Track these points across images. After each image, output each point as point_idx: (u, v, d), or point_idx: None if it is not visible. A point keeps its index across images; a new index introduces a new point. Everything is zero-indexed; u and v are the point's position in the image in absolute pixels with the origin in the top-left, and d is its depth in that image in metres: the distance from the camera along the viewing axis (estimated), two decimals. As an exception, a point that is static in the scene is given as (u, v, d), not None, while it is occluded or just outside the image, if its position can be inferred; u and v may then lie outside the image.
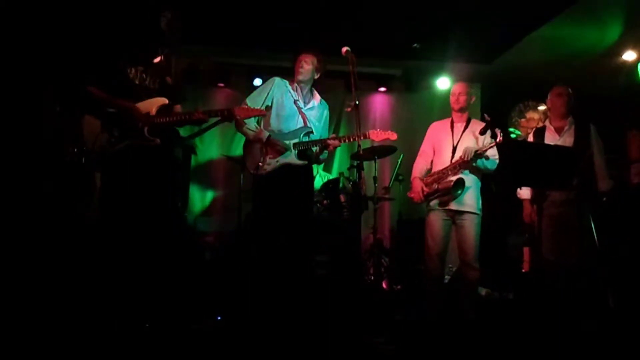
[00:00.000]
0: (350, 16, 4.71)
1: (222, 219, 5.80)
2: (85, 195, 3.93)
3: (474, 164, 3.80)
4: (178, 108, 3.24)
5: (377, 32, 5.03)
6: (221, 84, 6.02)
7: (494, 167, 3.80)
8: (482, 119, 3.76)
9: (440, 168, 3.91)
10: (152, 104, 3.05)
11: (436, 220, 3.89)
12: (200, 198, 5.99)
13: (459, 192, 3.77)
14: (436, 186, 3.88)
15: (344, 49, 3.32)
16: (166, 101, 3.09)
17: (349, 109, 3.42)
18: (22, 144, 3.99)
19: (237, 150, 5.62)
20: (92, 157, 3.17)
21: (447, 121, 4.05)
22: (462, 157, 3.79)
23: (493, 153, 3.75)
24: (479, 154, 3.74)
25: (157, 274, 3.10)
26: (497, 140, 3.58)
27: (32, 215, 3.82)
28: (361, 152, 3.34)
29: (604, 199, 3.94)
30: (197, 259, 4.92)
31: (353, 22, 4.76)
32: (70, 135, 4.00)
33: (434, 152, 4.05)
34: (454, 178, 3.78)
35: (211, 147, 6.00)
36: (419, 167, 4.08)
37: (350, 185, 5.01)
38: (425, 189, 3.92)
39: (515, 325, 3.68)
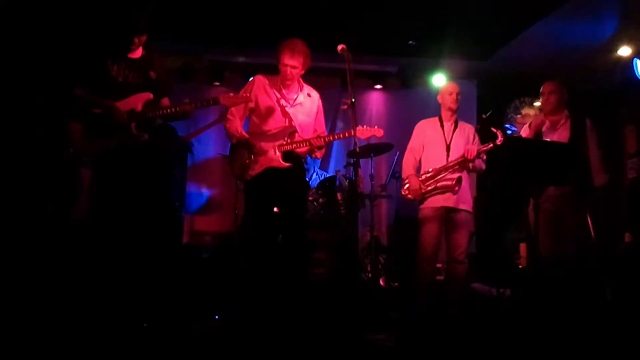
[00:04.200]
0: (346, 14, 4.70)
1: (219, 217, 5.78)
2: (73, 196, 3.88)
3: (469, 164, 3.87)
4: (166, 102, 3.22)
5: (373, 29, 5.01)
6: (217, 83, 6.00)
7: (483, 167, 3.99)
8: (481, 119, 3.84)
9: (437, 166, 3.93)
10: (138, 100, 3.05)
11: (433, 219, 3.91)
12: (197, 197, 5.97)
13: (456, 190, 3.84)
14: (434, 184, 3.90)
15: (340, 46, 3.29)
16: (151, 96, 3.08)
17: (345, 107, 3.39)
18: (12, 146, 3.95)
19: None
20: (82, 157, 3.16)
21: (436, 120, 4.09)
22: (466, 156, 3.82)
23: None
24: (478, 154, 3.83)
25: (154, 273, 3.09)
26: (498, 141, 3.75)
27: (25, 216, 3.78)
28: (357, 149, 3.32)
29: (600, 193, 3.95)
30: (194, 258, 4.90)
31: (349, 19, 4.74)
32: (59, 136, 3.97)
33: (422, 149, 4.08)
34: (455, 176, 3.84)
35: (207, 145, 5.98)
36: (411, 163, 4.09)
37: (347, 183, 5.01)
38: (423, 186, 3.93)
39: (512, 321, 3.69)
